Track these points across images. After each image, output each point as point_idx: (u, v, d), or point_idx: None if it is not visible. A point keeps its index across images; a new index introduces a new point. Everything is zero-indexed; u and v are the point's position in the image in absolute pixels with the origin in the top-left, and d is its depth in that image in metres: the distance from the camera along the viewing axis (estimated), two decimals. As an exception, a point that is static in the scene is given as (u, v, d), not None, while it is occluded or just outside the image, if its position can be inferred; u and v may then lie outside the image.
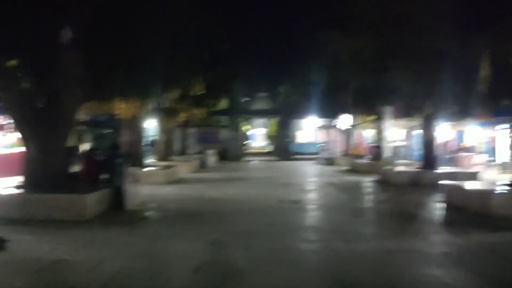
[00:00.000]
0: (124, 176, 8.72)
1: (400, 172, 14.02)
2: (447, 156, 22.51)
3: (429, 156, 14.51)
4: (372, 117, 21.97)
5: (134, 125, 14.64)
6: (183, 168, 18.26)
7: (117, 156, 9.05)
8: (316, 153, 28.90)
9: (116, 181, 8.70)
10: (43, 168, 8.27)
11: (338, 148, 26.85)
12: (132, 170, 9.17)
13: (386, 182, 13.99)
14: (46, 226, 7.13)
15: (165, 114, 16.74)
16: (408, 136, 24.95)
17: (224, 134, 30.93)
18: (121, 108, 13.78)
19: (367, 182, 14.70)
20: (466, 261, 5.27)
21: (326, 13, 14.35)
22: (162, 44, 12.42)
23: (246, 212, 8.63)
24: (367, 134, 29.26)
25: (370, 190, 12.58)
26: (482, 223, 7.46)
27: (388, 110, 19.07)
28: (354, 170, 19.48)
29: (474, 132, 20.31)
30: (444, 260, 5.34)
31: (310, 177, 17.02)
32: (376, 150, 19.43)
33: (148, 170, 14.02)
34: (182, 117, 18.25)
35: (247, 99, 36.61)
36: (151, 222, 7.85)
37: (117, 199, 8.60)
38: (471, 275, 4.76)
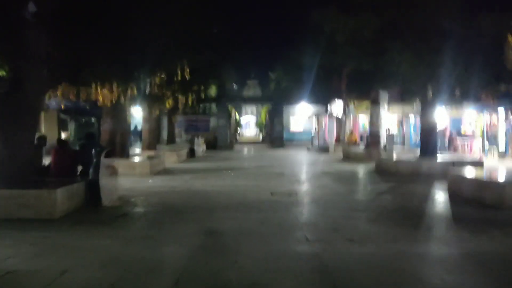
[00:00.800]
0: (101, 168, 7.84)
1: (398, 161, 13.30)
2: (445, 143, 21.96)
3: (428, 143, 13.81)
4: (366, 103, 21.22)
5: (118, 113, 13.68)
6: (170, 157, 17.39)
7: (92, 146, 8.15)
8: (309, 141, 28.20)
9: (91, 174, 7.84)
10: (8, 161, 7.35)
11: (331, 135, 26.12)
12: (110, 161, 8.29)
13: (384, 171, 13.27)
14: (10, 226, 6.26)
15: (150, 100, 15.77)
16: (402, 122, 24.29)
17: (214, 122, 30.02)
18: (101, 94, 12.85)
19: (364, 171, 13.98)
20: (488, 265, 4.53)
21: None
22: (144, 22, 11.45)
23: (236, 207, 7.82)
24: (361, 120, 28.57)
25: (368, 180, 11.84)
26: (499, 218, 6.74)
27: (384, 95, 18.29)
28: (349, 158, 18.77)
29: (473, 117, 19.65)
30: (464, 265, 4.59)
31: (304, 166, 16.27)
32: (372, 137, 18.68)
33: (131, 161, 13.13)
34: (168, 104, 17.29)
35: (237, 85, 35.59)
36: (129, 220, 7.00)
37: (92, 195, 7.74)
38: (497, 283, 4.03)
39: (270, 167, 15.47)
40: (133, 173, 12.73)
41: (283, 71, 28.38)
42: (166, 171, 13.92)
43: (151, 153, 16.96)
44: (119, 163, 12.95)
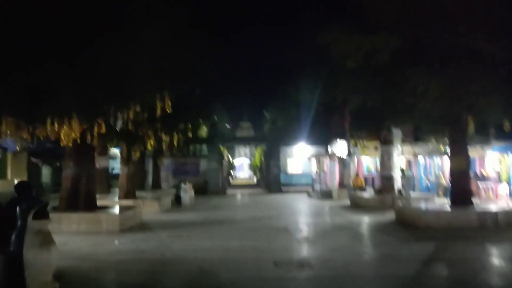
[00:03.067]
0: (27, 235, 5.30)
1: (427, 211, 10.81)
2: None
3: (461, 188, 11.43)
4: (374, 143, 19.02)
5: (82, 155, 11.23)
6: (151, 207, 14.82)
7: (20, 204, 5.62)
8: (309, 185, 25.72)
9: (12, 245, 5.28)
10: None
11: (333, 179, 23.70)
12: (42, 224, 5.73)
13: (409, 225, 10.77)
14: None
15: (126, 140, 13.37)
16: (411, 164, 22.04)
17: (204, 164, 27.52)
18: (62, 132, 10.46)
19: (383, 224, 11.48)
20: None
21: (329, 10, 11.37)
22: (116, 44, 9.32)
23: (225, 291, 5.27)
24: (365, 162, 26.31)
25: (395, 238, 9.27)
26: None
27: (397, 133, 16.10)
28: (357, 205, 16.26)
29: (496, 158, 17.41)
30: None
31: (309, 217, 13.71)
32: (384, 181, 16.27)
33: (97, 214, 10.53)
34: (150, 145, 14.87)
35: (230, 126, 33.48)
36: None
37: (12, 276, 5.16)
38: None
39: (269, 219, 12.90)
40: (98, 230, 10.15)
41: (279, 109, 26.32)
42: (142, 226, 11.31)
43: (127, 202, 14.36)
44: (81, 218, 10.43)
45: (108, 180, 19.38)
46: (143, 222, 11.98)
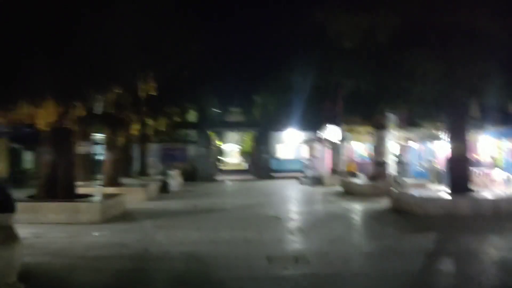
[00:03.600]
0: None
1: (426, 199, 10.34)
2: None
3: (460, 175, 10.98)
4: (367, 128, 18.50)
5: (60, 140, 10.50)
6: (137, 195, 14.16)
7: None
8: (299, 171, 25.22)
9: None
10: None
11: (325, 165, 23.22)
12: (4, 218, 5.08)
13: (406, 213, 10.33)
14: None
15: (108, 124, 12.65)
16: (405, 150, 21.61)
17: (193, 150, 26.79)
18: (37, 116, 9.72)
19: (379, 212, 11.03)
20: None
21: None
22: (94, 19, 8.55)
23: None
24: (360, 148, 25.88)
25: (394, 227, 8.79)
26: None
27: (392, 118, 15.57)
28: (350, 192, 15.82)
29: (490, 143, 17.04)
30: None
31: (301, 205, 13.21)
32: (378, 167, 15.80)
33: (77, 204, 9.85)
34: (135, 129, 14.16)
35: (220, 111, 32.68)
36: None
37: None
38: None
39: (261, 207, 12.36)
40: (78, 220, 9.50)
41: (270, 93, 25.59)
42: (125, 216, 10.69)
43: (111, 190, 13.67)
44: (59, 207, 9.75)
45: (92, 167, 18.62)
46: (127, 211, 11.36)
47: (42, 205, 9.66)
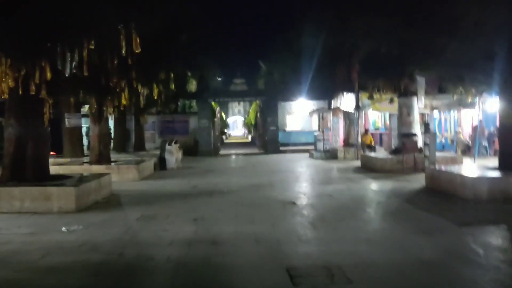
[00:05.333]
0: None
1: (476, 178, 8.38)
2: (483, 144, 17.31)
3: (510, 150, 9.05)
4: (388, 95, 16.43)
5: (27, 110, 8.61)
6: (128, 173, 12.39)
7: None
8: (309, 144, 23.32)
9: None
10: None
11: (338, 137, 21.27)
12: None
13: (449, 194, 8.48)
14: None
15: (88, 91, 10.70)
16: (431, 119, 19.59)
17: (194, 123, 24.88)
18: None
19: (416, 194, 9.18)
20: None
21: None
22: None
23: None
24: (374, 117, 23.91)
25: (448, 219, 6.91)
26: None
27: (421, 81, 13.48)
28: (370, 168, 13.96)
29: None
30: None
31: (317, 184, 11.34)
32: (405, 139, 13.80)
33: (48, 188, 8.00)
34: (124, 98, 12.18)
35: (223, 80, 30.54)
36: None
37: None
38: None
39: (270, 188, 10.53)
40: (49, 209, 7.74)
41: (277, 59, 23.37)
42: (109, 201, 8.90)
43: (99, 169, 11.89)
44: (25, 193, 7.93)
45: (81, 142, 16.84)
46: (113, 195, 9.58)
47: (5, 190, 7.86)
